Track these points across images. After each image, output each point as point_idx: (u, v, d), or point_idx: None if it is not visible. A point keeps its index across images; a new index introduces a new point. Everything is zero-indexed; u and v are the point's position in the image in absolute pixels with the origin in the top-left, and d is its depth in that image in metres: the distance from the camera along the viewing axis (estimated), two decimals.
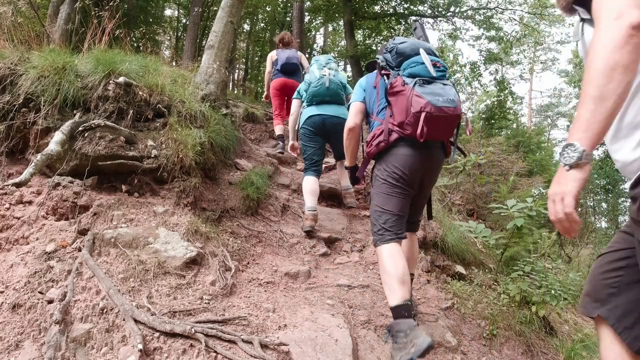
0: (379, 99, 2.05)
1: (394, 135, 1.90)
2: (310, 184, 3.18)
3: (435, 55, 2.00)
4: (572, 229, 0.98)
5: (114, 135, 2.52)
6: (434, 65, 1.92)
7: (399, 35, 12.31)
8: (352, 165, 2.38)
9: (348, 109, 2.27)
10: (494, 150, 5.44)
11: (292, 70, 4.66)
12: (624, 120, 1.01)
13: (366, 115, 2.17)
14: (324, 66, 3.23)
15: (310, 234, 3.08)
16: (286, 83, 4.68)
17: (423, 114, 1.77)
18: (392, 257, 1.84)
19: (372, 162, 2.09)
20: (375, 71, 2.10)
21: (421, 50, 1.94)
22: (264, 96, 5.26)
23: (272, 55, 4.85)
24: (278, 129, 4.83)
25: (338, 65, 3.52)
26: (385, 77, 2.00)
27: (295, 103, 3.49)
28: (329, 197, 3.93)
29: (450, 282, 2.79)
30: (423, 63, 1.90)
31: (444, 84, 1.87)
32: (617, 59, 0.89)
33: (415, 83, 1.83)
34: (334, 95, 3.17)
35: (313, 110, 3.17)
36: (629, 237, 1.14)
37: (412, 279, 2.05)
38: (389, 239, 1.89)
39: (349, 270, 2.74)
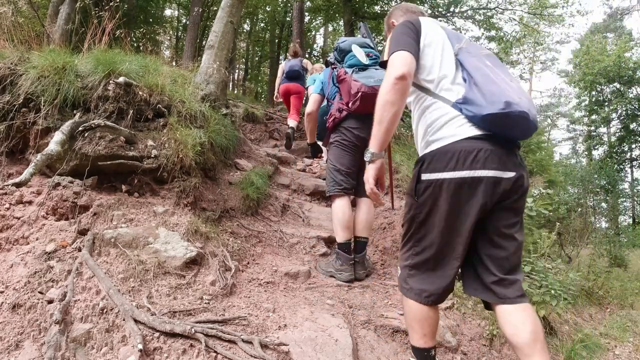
0: (330, 87, 2.72)
1: (344, 113, 2.55)
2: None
3: (371, 48, 2.61)
4: (376, 199, 1.57)
5: (114, 135, 2.52)
6: (368, 56, 2.53)
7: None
8: (312, 142, 3.09)
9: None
10: None
11: (294, 76, 5.77)
12: (418, 134, 1.55)
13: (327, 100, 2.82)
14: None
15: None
16: (288, 88, 5.81)
17: (359, 94, 2.35)
18: (342, 207, 2.58)
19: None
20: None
21: (353, 46, 2.53)
22: (274, 96, 6.38)
23: (282, 65, 6.08)
24: (290, 122, 5.66)
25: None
26: (333, 69, 2.65)
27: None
28: (329, 197, 3.93)
29: None
30: (356, 56, 2.49)
31: (375, 69, 2.46)
32: (387, 98, 1.41)
33: (352, 71, 2.47)
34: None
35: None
36: None
37: (366, 241, 2.65)
38: (338, 192, 2.60)
39: None
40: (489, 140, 1.35)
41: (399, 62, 1.41)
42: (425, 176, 1.42)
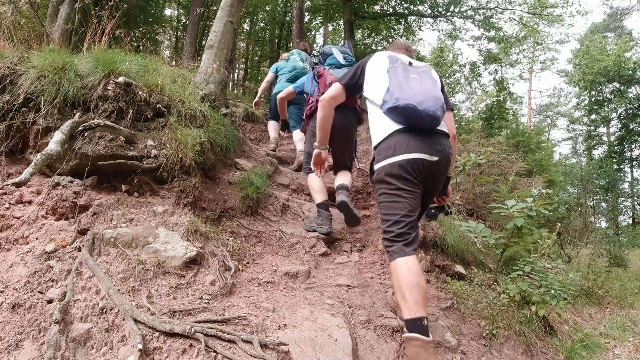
0: (313, 84, 3.26)
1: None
2: (273, 125, 5.04)
3: (349, 55, 3.26)
4: (317, 172, 2.49)
5: (114, 135, 2.52)
6: (345, 59, 3.17)
7: (399, 35, 12.37)
8: (284, 119, 4.51)
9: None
10: (494, 150, 5.43)
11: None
12: (373, 139, 2.01)
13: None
14: (303, 60, 4.93)
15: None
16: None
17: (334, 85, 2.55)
18: (314, 178, 3.10)
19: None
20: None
21: (334, 49, 3.25)
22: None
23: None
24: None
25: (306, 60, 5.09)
26: (314, 69, 3.27)
27: (270, 76, 5.16)
28: (329, 197, 3.93)
29: (450, 282, 2.79)
30: (335, 58, 3.17)
31: (349, 69, 2.62)
32: (322, 113, 2.24)
33: (330, 68, 3.10)
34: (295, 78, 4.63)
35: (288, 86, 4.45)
36: None
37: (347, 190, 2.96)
38: (311, 171, 3.01)
39: (349, 270, 2.74)
40: (410, 130, 1.86)
41: (329, 93, 2.20)
42: (377, 167, 1.94)
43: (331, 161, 3.15)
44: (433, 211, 2.28)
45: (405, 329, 1.70)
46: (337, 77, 2.78)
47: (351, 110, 3.02)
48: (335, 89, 2.16)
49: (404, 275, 1.71)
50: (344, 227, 3.40)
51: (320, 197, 3.13)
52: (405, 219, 1.81)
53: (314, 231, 3.12)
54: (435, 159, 1.83)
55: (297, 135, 4.57)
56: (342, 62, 3.15)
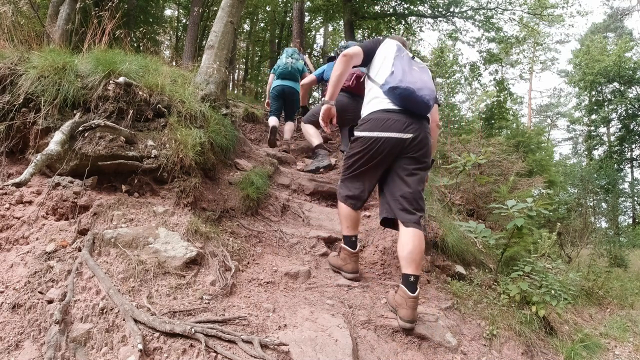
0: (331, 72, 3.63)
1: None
2: (273, 122, 5.01)
3: None
4: (324, 128, 2.53)
5: (114, 135, 2.52)
6: None
7: (398, 35, 12.36)
8: (304, 105, 4.85)
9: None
10: (494, 150, 5.43)
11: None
12: (365, 110, 2.34)
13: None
14: (290, 56, 5.18)
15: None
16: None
17: (354, 76, 3.14)
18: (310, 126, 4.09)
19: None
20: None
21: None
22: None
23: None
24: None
25: (299, 56, 5.41)
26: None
27: (270, 77, 5.43)
28: (329, 197, 3.93)
29: (450, 282, 2.79)
30: None
31: None
32: (339, 69, 2.32)
33: None
34: (292, 74, 5.08)
35: (278, 82, 5.11)
36: None
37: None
38: (307, 120, 4.20)
39: None
40: (400, 110, 2.16)
41: (351, 50, 2.33)
42: (356, 133, 2.28)
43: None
44: None
45: (342, 242, 2.54)
46: (356, 70, 3.12)
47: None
48: (356, 49, 2.33)
49: (343, 210, 2.46)
50: None
51: (316, 140, 4.03)
52: (365, 189, 2.37)
53: (317, 168, 3.89)
54: (410, 135, 2.15)
55: (289, 125, 5.27)
56: None
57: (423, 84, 2.12)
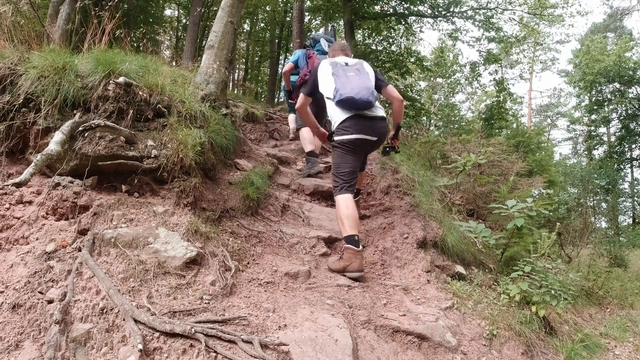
0: (303, 61, 4.45)
1: (307, 77, 3.76)
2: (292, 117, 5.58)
3: (332, 41, 4.43)
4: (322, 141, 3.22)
5: (114, 135, 2.52)
6: (328, 46, 4.16)
7: (398, 35, 12.38)
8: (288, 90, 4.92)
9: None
10: (494, 150, 5.43)
11: None
12: (332, 120, 2.85)
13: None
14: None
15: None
16: None
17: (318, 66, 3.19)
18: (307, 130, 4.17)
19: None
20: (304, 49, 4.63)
21: (322, 40, 4.48)
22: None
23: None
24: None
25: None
26: (307, 51, 4.48)
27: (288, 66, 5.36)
28: (329, 197, 3.93)
29: (450, 282, 2.79)
30: (322, 46, 4.38)
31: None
32: (301, 116, 3.15)
33: (317, 53, 4.34)
34: None
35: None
36: None
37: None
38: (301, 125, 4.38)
39: None
40: (355, 116, 2.71)
41: (299, 102, 2.93)
42: (338, 138, 2.77)
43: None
44: (387, 149, 3.11)
45: (344, 242, 2.66)
46: (321, 60, 3.36)
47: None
48: (302, 98, 2.91)
49: (342, 208, 2.67)
50: None
51: (309, 146, 4.21)
52: (350, 172, 2.77)
53: (309, 175, 4.02)
54: (375, 138, 2.77)
55: (292, 117, 5.55)
56: (326, 49, 4.26)
57: (359, 87, 2.63)
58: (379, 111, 2.78)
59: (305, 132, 4.18)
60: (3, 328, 1.60)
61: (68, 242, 2.07)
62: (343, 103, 2.65)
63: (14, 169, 2.51)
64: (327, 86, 2.79)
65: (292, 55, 5.97)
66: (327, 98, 2.82)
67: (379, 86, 2.79)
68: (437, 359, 2.00)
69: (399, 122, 3.01)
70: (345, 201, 2.68)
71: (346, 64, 2.82)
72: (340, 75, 2.70)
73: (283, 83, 5.11)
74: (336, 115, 2.77)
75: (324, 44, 4.37)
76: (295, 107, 3.04)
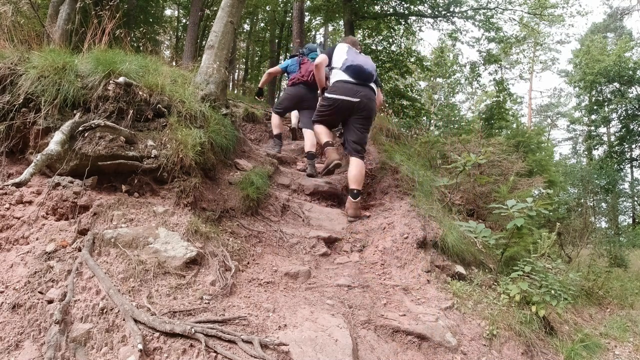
0: (294, 67, 4.92)
1: (298, 80, 4.69)
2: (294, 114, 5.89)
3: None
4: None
5: (114, 135, 2.52)
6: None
7: (398, 35, 12.38)
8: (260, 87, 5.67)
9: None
10: (494, 150, 5.42)
11: None
12: (331, 79, 3.63)
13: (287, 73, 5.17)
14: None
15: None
16: None
17: (311, 72, 4.08)
18: (277, 117, 5.02)
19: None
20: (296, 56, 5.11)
21: (318, 49, 4.94)
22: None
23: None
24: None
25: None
26: (300, 57, 4.94)
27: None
28: (329, 197, 3.93)
29: (450, 282, 2.79)
30: (317, 53, 4.69)
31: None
32: (317, 74, 3.86)
33: (311, 60, 4.59)
34: None
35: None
36: None
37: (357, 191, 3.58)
38: (276, 111, 5.07)
39: (349, 270, 2.74)
40: (352, 82, 3.39)
41: (318, 58, 3.71)
42: (325, 94, 3.55)
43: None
44: None
45: (324, 147, 3.66)
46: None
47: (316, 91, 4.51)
48: (322, 57, 3.67)
49: (319, 128, 3.72)
50: (343, 227, 3.41)
51: (276, 130, 4.91)
52: (327, 120, 3.66)
53: (310, 175, 4.23)
54: (356, 99, 3.41)
55: (294, 114, 5.86)
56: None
57: (366, 64, 3.45)
58: (373, 88, 3.52)
59: (276, 118, 4.88)
60: (3, 328, 1.60)
61: (68, 242, 2.07)
62: (351, 69, 3.38)
63: (14, 169, 2.51)
64: (339, 59, 3.51)
65: (284, 61, 6.22)
66: (334, 68, 3.53)
67: (375, 78, 3.58)
68: (437, 359, 2.00)
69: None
70: (322, 127, 3.68)
71: (358, 52, 3.65)
72: (352, 54, 3.53)
73: (285, 83, 5.37)
74: (336, 77, 3.49)
75: (319, 52, 4.88)
76: (315, 62, 3.75)
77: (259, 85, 5.60)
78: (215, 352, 1.58)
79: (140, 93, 2.78)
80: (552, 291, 2.61)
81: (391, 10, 11.43)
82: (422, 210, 3.35)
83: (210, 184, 3.04)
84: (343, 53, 3.51)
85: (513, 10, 11.40)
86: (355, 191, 3.39)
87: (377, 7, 11.28)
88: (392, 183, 3.93)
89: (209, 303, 1.93)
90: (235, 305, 1.99)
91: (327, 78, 3.86)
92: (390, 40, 12.28)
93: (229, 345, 1.63)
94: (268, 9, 15.41)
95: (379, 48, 12.32)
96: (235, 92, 14.13)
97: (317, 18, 14.68)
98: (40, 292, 1.77)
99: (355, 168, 3.44)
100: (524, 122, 24.11)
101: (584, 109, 23.24)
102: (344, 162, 4.03)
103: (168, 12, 17.56)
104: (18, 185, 1.97)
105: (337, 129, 4.18)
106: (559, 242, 6.01)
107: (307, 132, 4.50)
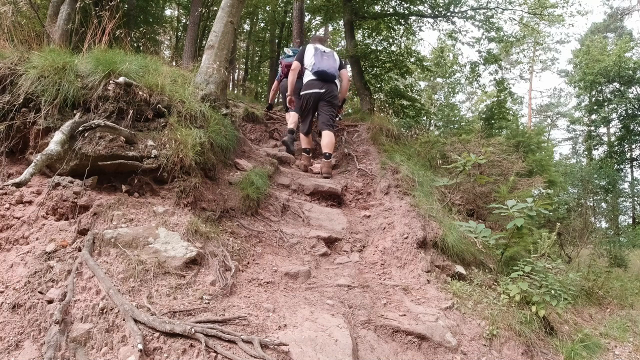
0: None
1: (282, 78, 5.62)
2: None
3: (296, 52, 5.30)
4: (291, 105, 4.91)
5: (114, 135, 2.52)
6: (293, 54, 5.36)
7: (398, 35, 12.37)
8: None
9: None
10: (494, 150, 5.42)
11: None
12: (304, 81, 4.67)
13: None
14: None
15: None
16: None
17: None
18: (292, 114, 5.13)
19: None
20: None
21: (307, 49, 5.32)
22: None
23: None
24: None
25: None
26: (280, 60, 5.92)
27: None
28: (329, 197, 3.93)
29: (450, 282, 2.79)
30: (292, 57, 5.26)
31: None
32: (290, 77, 4.72)
33: (284, 56, 5.90)
34: None
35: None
36: None
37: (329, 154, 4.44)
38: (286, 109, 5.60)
39: (349, 270, 2.74)
40: (318, 80, 4.43)
41: (293, 65, 4.64)
42: (301, 93, 4.53)
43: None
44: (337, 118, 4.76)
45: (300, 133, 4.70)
46: (285, 63, 5.22)
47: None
48: (296, 64, 4.54)
49: (291, 117, 4.86)
50: (344, 227, 3.41)
51: (291, 125, 5.10)
52: (310, 122, 4.59)
53: (283, 142, 4.89)
54: (322, 90, 4.37)
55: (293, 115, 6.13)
56: (290, 54, 5.59)
57: (329, 67, 4.36)
58: (335, 82, 4.52)
59: (292, 114, 5.14)
60: (3, 328, 1.60)
61: (68, 242, 2.07)
62: (318, 73, 4.35)
63: (14, 169, 2.51)
64: (309, 61, 4.45)
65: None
66: (307, 70, 4.47)
67: (340, 67, 4.51)
68: (437, 359, 2.00)
69: (344, 97, 4.95)
70: (294, 116, 4.75)
71: (324, 51, 4.49)
72: (318, 56, 4.39)
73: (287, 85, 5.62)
74: (307, 78, 4.48)
75: (287, 51, 5.75)
76: (291, 70, 4.59)
77: (269, 101, 6.29)
78: (215, 352, 1.58)
79: (140, 93, 2.78)
80: (552, 291, 2.61)
81: (391, 10, 11.42)
82: (422, 210, 3.35)
83: (210, 184, 3.05)
84: (311, 56, 4.42)
85: (513, 10, 11.40)
86: (327, 154, 4.31)
87: (377, 7, 11.27)
88: (392, 183, 3.93)
89: (209, 303, 1.93)
90: (235, 305, 1.99)
91: (300, 77, 4.77)
92: (390, 40, 12.27)
93: (229, 345, 1.63)
94: (268, 9, 15.41)
95: (379, 48, 12.31)
96: (235, 92, 14.13)
97: (317, 18, 14.67)
98: (40, 292, 1.77)
99: (326, 137, 4.36)
100: (524, 122, 24.12)
101: (584, 109, 23.23)
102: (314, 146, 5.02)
103: (168, 12, 17.56)
104: (18, 185, 1.97)
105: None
106: (559, 242, 6.00)
107: (290, 114, 5.17)
